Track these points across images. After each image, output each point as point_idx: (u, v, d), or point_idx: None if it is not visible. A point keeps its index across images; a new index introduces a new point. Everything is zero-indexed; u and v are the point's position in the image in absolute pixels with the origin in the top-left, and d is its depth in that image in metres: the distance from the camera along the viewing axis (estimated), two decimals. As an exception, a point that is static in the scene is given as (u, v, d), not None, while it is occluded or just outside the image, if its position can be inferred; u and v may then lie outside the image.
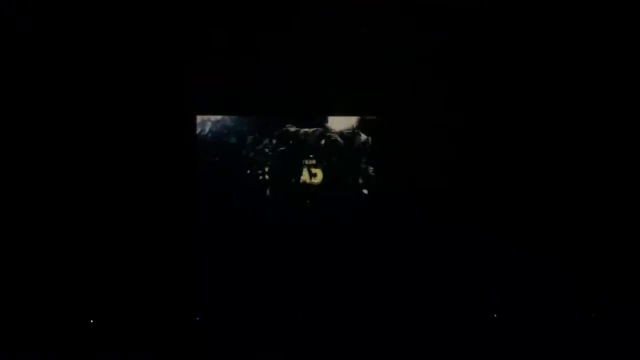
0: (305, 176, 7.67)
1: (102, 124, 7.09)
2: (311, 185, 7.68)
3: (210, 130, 7.59)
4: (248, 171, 7.62)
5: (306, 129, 7.72)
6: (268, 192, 7.64)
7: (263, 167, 7.65)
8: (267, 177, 7.64)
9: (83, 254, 6.95)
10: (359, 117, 7.74)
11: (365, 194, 7.70)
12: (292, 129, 7.71)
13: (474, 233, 7.35)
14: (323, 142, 7.70)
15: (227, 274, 7.23)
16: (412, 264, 7.39)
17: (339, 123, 7.74)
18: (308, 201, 7.65)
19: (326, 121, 7.73)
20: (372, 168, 7.71)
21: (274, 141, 7.67)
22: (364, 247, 7.47)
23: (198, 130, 7.53)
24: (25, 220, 6.85)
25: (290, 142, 7.69)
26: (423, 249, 7.39)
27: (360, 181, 7.71)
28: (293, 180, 7.68)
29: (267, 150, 7.66)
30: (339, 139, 7.71)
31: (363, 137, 7.73)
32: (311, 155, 7.68)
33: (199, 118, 7.56)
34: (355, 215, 7.64)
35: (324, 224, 7.56)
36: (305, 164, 7.68)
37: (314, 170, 7.68)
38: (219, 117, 7.61)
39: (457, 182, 7.48)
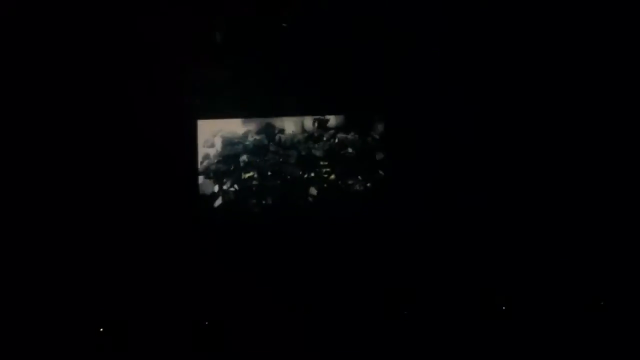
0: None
1: (105, 128, 7.19)
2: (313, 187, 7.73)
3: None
4: (248, 174, 7.68)
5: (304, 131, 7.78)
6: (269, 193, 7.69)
7: (262, 169, 7.70)
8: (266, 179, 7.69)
9: (87, 256, 7.04)
10: (357, 115, 7.78)
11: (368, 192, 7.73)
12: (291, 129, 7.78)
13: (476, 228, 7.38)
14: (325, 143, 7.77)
15: (231, 274, 7.23)
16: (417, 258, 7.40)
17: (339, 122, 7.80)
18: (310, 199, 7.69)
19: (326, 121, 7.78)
20: (375, 168, 7.74)
21: (274, 142, 7.73)
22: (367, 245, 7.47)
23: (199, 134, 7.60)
24: (28, 218, 6.95)
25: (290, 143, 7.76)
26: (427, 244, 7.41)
27: (363, 182, 7.74)
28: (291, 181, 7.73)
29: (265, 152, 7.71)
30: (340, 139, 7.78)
31: (364, 135, 7.78)
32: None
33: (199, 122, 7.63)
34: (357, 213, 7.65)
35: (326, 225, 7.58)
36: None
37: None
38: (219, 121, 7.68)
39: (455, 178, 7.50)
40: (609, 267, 7.14)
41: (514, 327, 6.89)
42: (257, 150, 7.66)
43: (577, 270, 7.17)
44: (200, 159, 7.57)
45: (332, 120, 7.72)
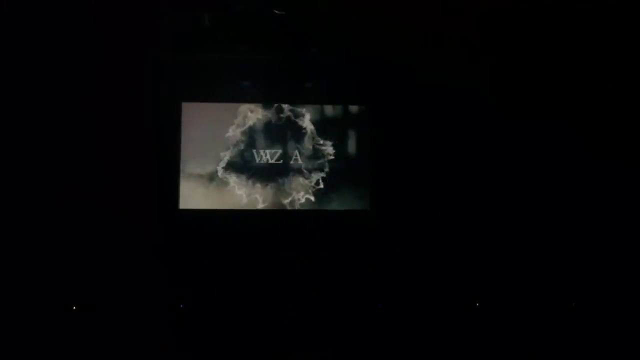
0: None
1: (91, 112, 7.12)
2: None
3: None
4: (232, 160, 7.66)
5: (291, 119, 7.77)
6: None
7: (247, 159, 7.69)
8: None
9: (69, 243, 7.02)
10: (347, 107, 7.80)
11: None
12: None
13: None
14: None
15: (209, 262, 7.28)
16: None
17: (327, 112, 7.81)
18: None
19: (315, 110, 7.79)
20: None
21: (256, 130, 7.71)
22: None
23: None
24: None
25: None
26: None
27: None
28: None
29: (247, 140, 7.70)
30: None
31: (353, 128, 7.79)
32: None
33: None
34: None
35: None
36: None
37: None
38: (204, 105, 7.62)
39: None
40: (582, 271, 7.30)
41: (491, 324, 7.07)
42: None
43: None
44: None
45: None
